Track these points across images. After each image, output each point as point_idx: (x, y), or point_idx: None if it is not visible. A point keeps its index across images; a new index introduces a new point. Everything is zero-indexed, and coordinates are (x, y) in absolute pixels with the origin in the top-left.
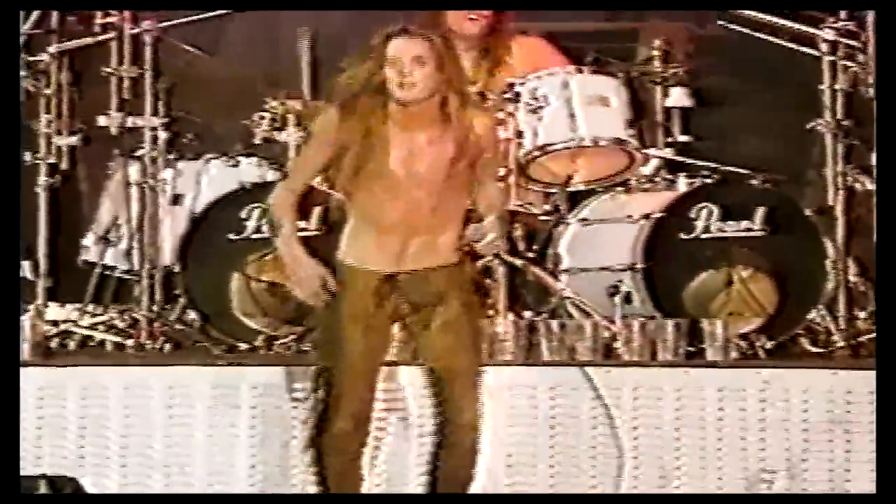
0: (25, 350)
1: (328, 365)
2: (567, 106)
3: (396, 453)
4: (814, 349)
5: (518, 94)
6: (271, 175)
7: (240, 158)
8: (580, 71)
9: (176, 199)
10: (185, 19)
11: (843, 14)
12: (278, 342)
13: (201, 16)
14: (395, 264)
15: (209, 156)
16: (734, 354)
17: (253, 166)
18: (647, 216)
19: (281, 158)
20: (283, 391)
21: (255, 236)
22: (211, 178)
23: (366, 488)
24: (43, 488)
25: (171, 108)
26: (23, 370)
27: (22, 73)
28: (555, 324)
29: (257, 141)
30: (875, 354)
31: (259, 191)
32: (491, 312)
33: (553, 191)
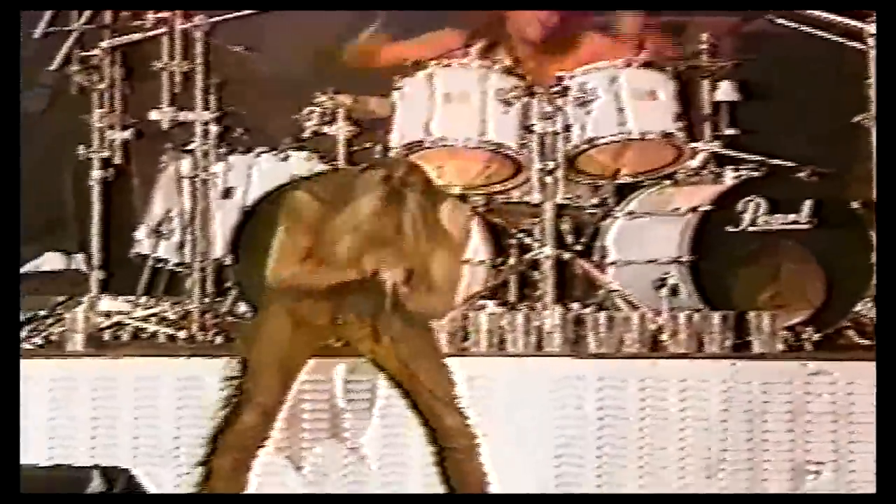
0: (79, 341)
1: (247, 356)
2: (616, 100)
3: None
4: (861, 341)
5: (567, 88)
6: (320, 168)
7: (290, 152)
8: (629, 65)
9: (227, 193)
10: (231, 15)
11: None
12: None
13: (248, 12)
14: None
15: (260, 149)
16: (781, 347)
17: (303, 160)
18: (694, 209)
19: (330, 152)
20: (331, 382)
21: None
22: (262, 172)
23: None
24: (97, 479)
25: (221, 102)
26: (75, 361)
27: (74, 68)
28: (602, 316)
29: (307, 135)
30: (875, 354)
31: None
32: (538, 305)
33: (601, 184)
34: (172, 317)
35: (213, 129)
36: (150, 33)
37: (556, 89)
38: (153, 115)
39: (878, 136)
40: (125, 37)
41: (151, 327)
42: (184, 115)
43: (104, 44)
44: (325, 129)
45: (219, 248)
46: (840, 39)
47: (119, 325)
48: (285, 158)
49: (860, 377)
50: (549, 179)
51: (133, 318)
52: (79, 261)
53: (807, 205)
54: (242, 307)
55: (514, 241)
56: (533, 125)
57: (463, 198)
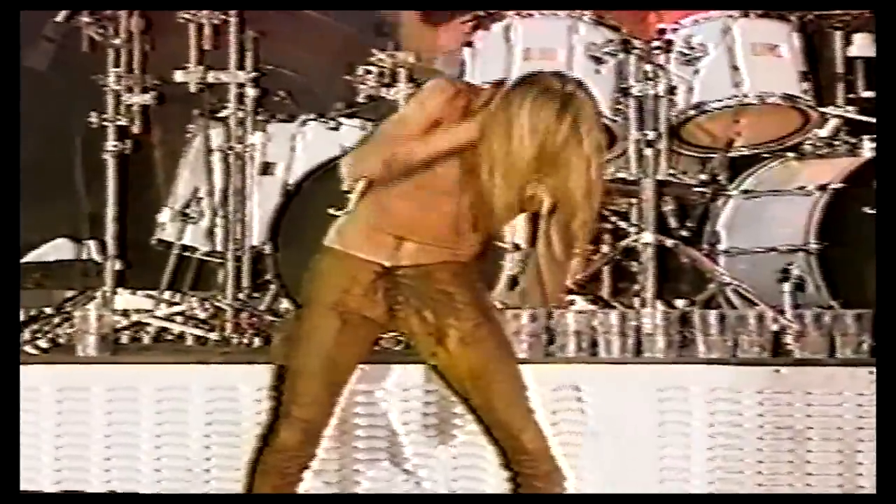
0: (91, 344)
1: (285, 362)
2: (729, 56)
3: None
4: None
5: (670, 43)
6: None
7: (341, 119)
8: (745, 15)
9: (266, 168)
10: None
11: None
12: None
13: None
14: (392, 258)
15: (305, 117)
16: None
17: (356, 128)
18: (823, 187)
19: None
20: (386, 392)
21: None
22: (307, 143)
23: None
24: None
25: (259, 60)
26: (89, 368)
27: (84, 19)
28: (712, 315)
29: (361, 99)
30: (874, 354)
31: None
32: (637, 301)
33: (711, 157)
34: (202, 315)
35: (250, 92)
36: None
37: (657, 44)
38: (178, 75)
39: (878, 136)
40: None
41: (177, 328)
42: (215, 76)
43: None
44: (384, 92)
45: (256, 235)
46: None
47: (139, 325)
48: (336, 127)
49: None
50: (648, 152)
51: (155, 317)
52: (91, 249)
53: None
54: (284, 304)
55: (606, 226)
56: (630, 87)
57: None
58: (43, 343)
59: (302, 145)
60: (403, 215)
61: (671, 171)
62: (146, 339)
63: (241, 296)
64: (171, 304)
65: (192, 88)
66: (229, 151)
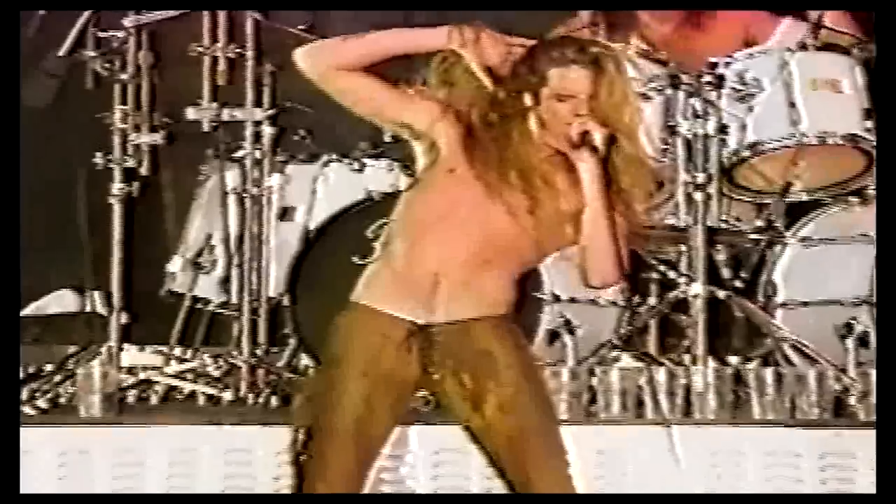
0: (95, 404)
1: (312, 425)
2: (786, 92)
3: None
4: None
5: (722, 78)
6: (405, 182)
7: (365, 160)
8: (803, 47)
9: (285, 213)
10: None
11: None
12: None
13: None
14: (426, 312)
15: (327, 157)
16: None
17: (382, 170)
18: None
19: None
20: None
21: None
22: (329, 186)
23: None
24: None
25: (277, 96)
26: (92, 430)
27: (89, 52)
28: (768, 373)
29: (387, 139)
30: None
31: (390, 202)
32: (686, 358)
33: (767, 201)
34: (215, 373)
35: (268, 130)
36: (186, 9)
37: (707, 79)
38: (190, 113)
39: (878, 136)
40: (155, 13)
41: (188, 386)
42: (230, 113)
43: (127, 21)
44: None
45: (274, 285)
46: None
47: (146, 383)
48: (360, 169)
49: None
50: (698, 196)
51: (164, 375)
52: (95, 301)
53: None
54: (304, 360)
55: (653, 276)
56: (678, 125)
57: None
58: (43, 403)
59: (323, 188)
60: (432, 252)
61: (723, 218)
62: (154, 399)
63: (257, 352)
64: (181, 360)
65: (205, 127)
66: (245, 195)
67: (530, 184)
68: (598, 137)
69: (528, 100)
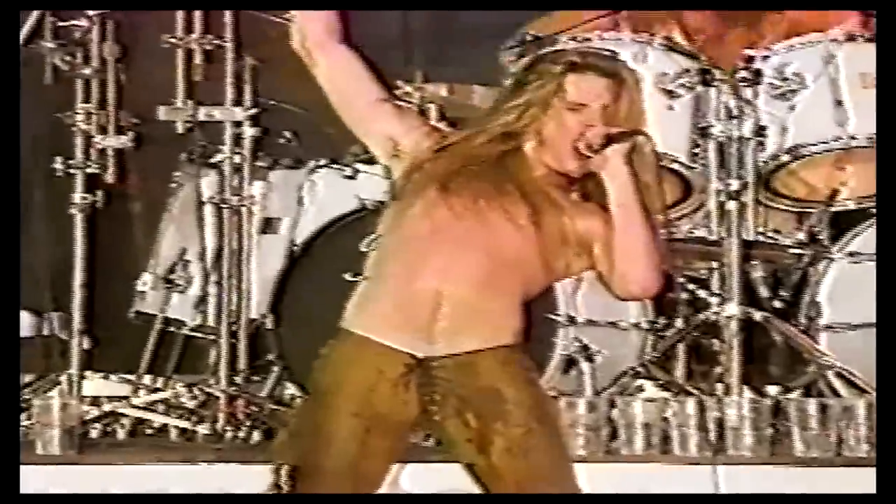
0: (54, 440)
1: (298, 465)
2: (831, 89)
3: None
4: None
5: (759, 73)
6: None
7: (357, 166)
8: (851, 38)
9: (268, 225)
10: None
11: None
12: None
13: None
14: (425, 342)
15: (315, 163)
16: None
17: (376, 177)
18: None
19: None
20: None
21: None
22: (317, 195)
23: None
24: None
25: (260, 94)
26: (51, 469)
27: (48, 44)
28: (812, 405)
29: None
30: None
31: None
32: (718, 388)
33: (810, 212)
34: (189, 404)
35: (249, 132)
36: None
37: (742, 74)
38: (162, 112)
39: (878, 136)
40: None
41: (159, 419)
42: (206, 113)
43: (91, 11)
44: None
45: (255, 306)
46: None
47: (112, 415)
48: (352, 175)
49: None
50: (732, 206)
51: (132, 407)
52: (54, 323)
53: None
54: (289, 390)
55: (682, 296)
56: (709, 126)
57: None
58: None
59: (311, 197)
60: (432, 269)
61: (760, 230)
62: (121, 434)
63: (236, 380)
64: (151, 390)
65: (179, 128)
66: (223, 204)
67: (529, 194)
68: (622, 140)
69: (533, 112)
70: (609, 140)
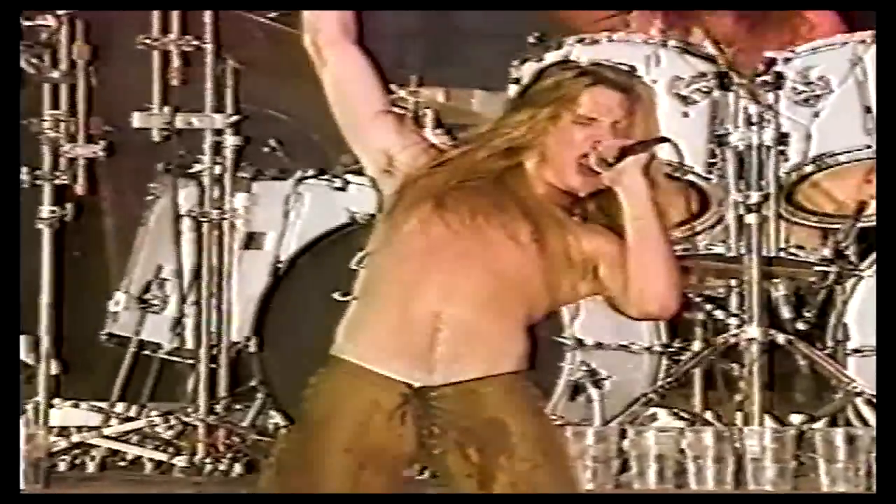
0: (19, 474)
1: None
2: (859, 94)
3: None
4: None
5: (781, 77)
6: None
7: (348, 177)
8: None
9: (251, 240)
10: None
11: None
12: None
13: None
14: (423, 371)
15: (302, 173)
16: None
17: (367, 189)
18: None
19: None
20: None
21: None
22: (305, 208)
23: None
24: None
25: (242, 100)
26: None
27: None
28: (839, 434)
29: None
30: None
31: None
32: (738, 417)
33: (835, 226)
34: (165, 434)
35: (230, 140)
36: None
37: (763, 78)
38: (137, 119)
39: (878, 136)
40: None
41: (132, 450)
42: (184, 120)
43: (60, 10)
44: None
45: (237, 328)
46: None
47: (82, 446)
48: (342, 187)
49: None
50: (752, 219)
51: (104, 437)
52: (19, 346)
53: None
54: (274, 419)
55: (698, 316)
56: (727, 134)
57: None
58: None
59: (297, 210)
60: (430, 289)
61: (782, 246)
62: (91, 467)
63: (217, 408)
64: (124, 419)
65: (155, 136)
66: (203, 218)
67: (531, 212)
68: (637, 151)
69: (542, 125)
70: (622, 153)
